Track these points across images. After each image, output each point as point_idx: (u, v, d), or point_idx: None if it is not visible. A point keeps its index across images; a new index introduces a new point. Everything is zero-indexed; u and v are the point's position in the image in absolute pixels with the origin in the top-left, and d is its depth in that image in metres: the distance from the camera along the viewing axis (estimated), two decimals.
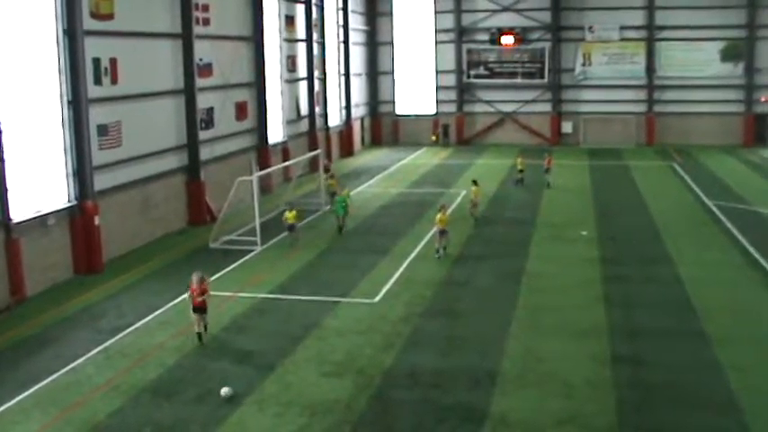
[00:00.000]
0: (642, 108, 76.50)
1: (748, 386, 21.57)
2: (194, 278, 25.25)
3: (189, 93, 43.13)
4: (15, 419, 20.45)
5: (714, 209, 44.73)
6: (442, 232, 35.24)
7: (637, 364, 23.27)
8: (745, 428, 19.28)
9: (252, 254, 36.63)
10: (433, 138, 79.73)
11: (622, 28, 75.85)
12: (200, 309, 25.11)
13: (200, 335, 25.19)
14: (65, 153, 33.64)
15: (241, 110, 50.66)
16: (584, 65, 77.11)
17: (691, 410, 20.24)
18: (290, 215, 37.78)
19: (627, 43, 76.09)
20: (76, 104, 33.56)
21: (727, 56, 74.63)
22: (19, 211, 30.63)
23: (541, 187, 52.37)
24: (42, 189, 32.53)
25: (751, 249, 35.92)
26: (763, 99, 74.27)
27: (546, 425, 19.52)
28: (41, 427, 19.93)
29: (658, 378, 22.20)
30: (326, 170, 53.24)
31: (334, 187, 45.76)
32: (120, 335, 26.35)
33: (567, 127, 78.23)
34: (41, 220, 31.98)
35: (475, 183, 43.49)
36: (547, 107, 78.37)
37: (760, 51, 73.93)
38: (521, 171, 54.12)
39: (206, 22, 45.47)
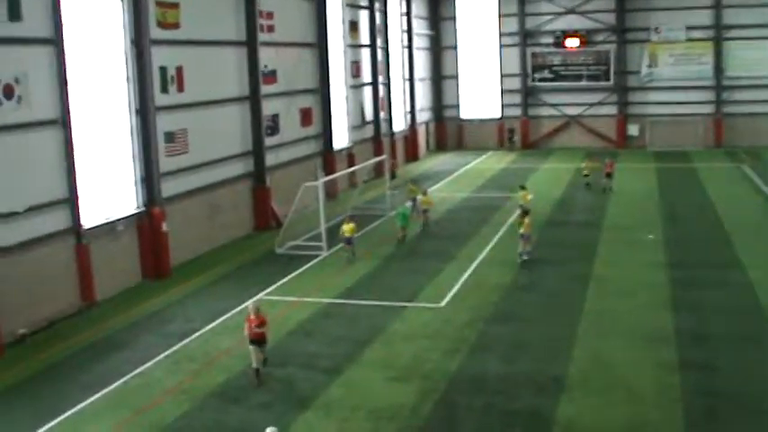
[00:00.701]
0: (710, 109, 75.22)
1: None
2: (251, 308, 23.47)
3: (254, 99, 43.51)
4: (87, 420, 20.82)
5: None
6: (525, 236, 35.14)
7: (705, 370, 22.86)
8: None
9: (317, 259, 36.79)
10: (509, 142, 79.07)
11: (689, 28, 74.70)
12: (259, 341, 22.89)
13: (257, 371, 22.86)
14: (133, 160, 34.17)
15: (306, 116, 50.94)
16: (650, 66, 76.12)
17: (763, 419, 19.83)
18: (347, 228, 36.16)
19: (694, 43, 74.94)
20: (144, 112, 34.06)
21: None
22: (89, 218, 31.17)
23: (606, 191, 51.76)
24: (111, 196, 33.06)
25: None
26: None
27: None
28: (112, 429, 20.26)
29: (728, 385, 21.79)
30: (392, 171, 53.42)
31: (415, 193, 45.14)
32: (188, 339, 26.67)
33: (633, 129, 77.25)
34: (111, 226, 32.50)
35: (523, 188, 42.90)
36: (613, 110, 77.52)
37: None
38: (586, 175, 53.46)
39: (270, 29, 45.80)
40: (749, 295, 29.67)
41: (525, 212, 36.71)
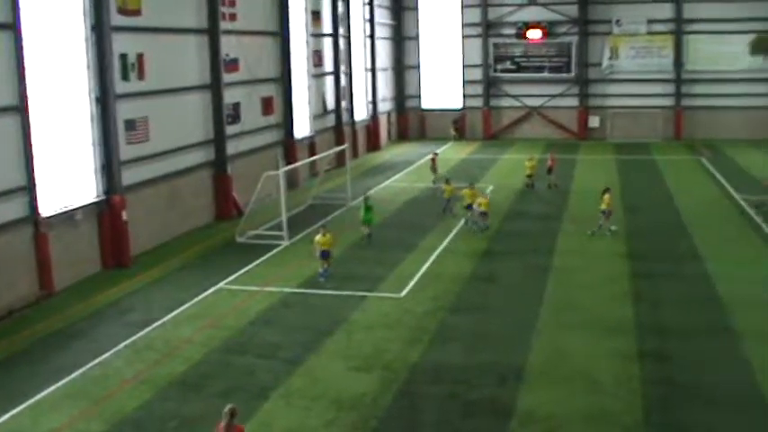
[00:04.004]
0: (670, 102, 75.90)
1: None
2: (224, 419, 15.85)
3: (215, 88, 43.25)
4: (45, 412, 20.64)
5: (743, 204, 44.34)
6: (606, 213, 37.82)
7: (664, 360, 23.19)
8: None
9: (279, 248, 36.69)
10: (453, 132, 79.26)
11: (650, 21, 75.27)
12: None
13: None
14: (93, 148, 33.82)
15: (267, 105, 50.73)
16: (611, 58, 76.57)
17: (718, 408, 20.15)
18: (322, 240, 31.73)
19: (654, 36, 75.52)
20: (104, 100, 33.77)
21: (756, 49, 73.72)
22: (47, 206, 30.86)
23: (568, 182, 52.05)
24: (70, 184, 32.73)
25: None
26: None
27: (572, 421, 19.50)
28: (71, 420, 20.10)
29: (686, 375, 22.13)
30: (434, 166, 53.73)
31: (451, 194, 42.66)
32: (148, 329, 26.50)
33: (594, 121, 77.74)
34: (69, 215, 32.18)
35: (471, 186, 41.84)
36: (574, 101, 77.96)
37: None
38: (529, 176, 51.01)
39: (232, 17, 45.52)
40: (707, 286, 30.07)
41: (606, 190, 38.47)
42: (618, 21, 75.71)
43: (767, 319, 26.45)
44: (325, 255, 31.91)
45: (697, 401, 20.49)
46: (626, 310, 27.42)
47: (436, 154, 56.88)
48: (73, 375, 22.82)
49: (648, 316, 26.88)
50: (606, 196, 37.90)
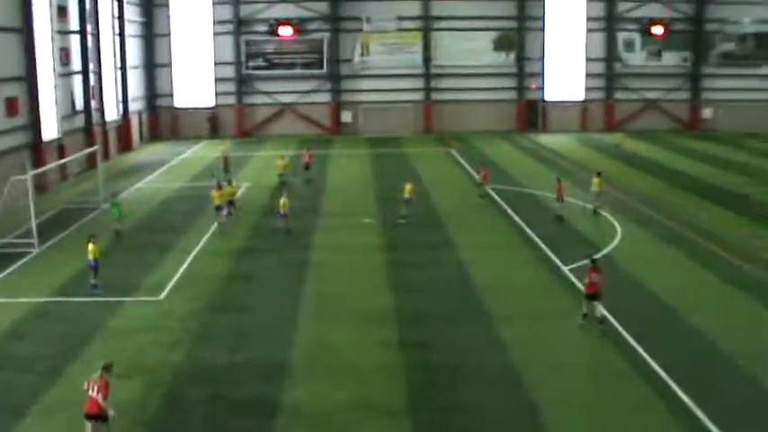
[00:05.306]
0: (420, 96, 78.54)
1: (529, 359, 22.82)
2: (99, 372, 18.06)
3: None
4: None
5: (491, 192, 46.22)
6: (406, 200, 40.29)
7: (424, 347, 24.05)
8: (527, 399, 20.40)
9: (29, 256, 35.15)
10: (211, 131, 78.74)
11: (399, 18, 77.54)
12: (97, 416, 17.73)
13: None
14: None
15: (11, 105, 48.44)
16: (362, 55, 78.30)
17: (478, 387, 21.19)
18: (93, 248, 29.96)
19: (404, 33, 77.87)
20: None
21: (499, 45, 77.75)
22: None
23: (323, 177, 52.71)
24: None
25: (527, 230, 37.53)
26: (533, 86, 78.00)
27: (340, 412, 19.92)
28: None
29: (446, 359, 23.08)
30: (307, 164, 52.74)
31: (221, 199, 39.94)
32: None
33: (346, 116, 79.28)
34: None
35: (220, 187, 40.66)
36: (326, 97, 79.06)
37: (529, 42, 77.68)
38: (280, 175, 51.24)
39: None
40: (461, 273, 31.42)
41: (408, 181, 40.75)
42: (368, 18, 77.53)
43: (517, 302, 28.04)
44: (95, 265, 30.13)
45: (457, 383, 21.43)
46: (385, 300, 28.22)
47: (226, 153, 56.73)
48: None
49: (408, 304, 27.76)
50: (408, 186, 40.08)
